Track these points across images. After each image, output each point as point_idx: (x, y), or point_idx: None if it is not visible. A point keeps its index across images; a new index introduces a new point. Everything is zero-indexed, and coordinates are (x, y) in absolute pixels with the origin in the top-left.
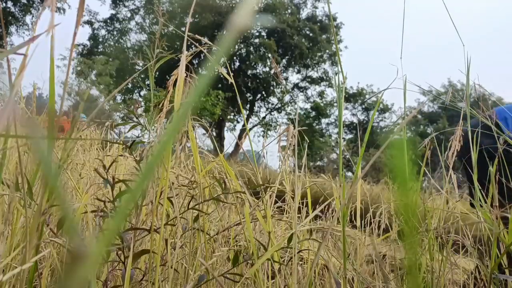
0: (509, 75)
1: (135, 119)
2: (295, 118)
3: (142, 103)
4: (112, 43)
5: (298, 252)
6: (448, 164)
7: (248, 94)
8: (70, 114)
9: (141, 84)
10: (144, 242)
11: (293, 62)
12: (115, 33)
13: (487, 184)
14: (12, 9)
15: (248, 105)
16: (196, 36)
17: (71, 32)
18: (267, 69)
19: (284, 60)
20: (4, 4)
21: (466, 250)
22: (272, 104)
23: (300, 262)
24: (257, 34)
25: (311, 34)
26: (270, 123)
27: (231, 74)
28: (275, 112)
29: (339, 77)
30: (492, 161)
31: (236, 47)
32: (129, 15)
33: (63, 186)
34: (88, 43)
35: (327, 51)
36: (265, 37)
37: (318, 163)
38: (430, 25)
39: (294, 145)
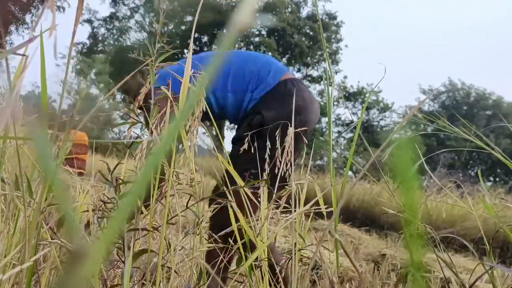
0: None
1: (135, 116)
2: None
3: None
4: (111, 41)
5: (298, 251)
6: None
7: None
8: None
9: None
10: (146, 241)
11: (293, 61)
12: (114, 31)
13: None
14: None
15: None
16: (195, 35)
17: (71, 30)
18: None
19: (284, 59)
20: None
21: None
22: None
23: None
24: (257, 33)
25: (311, 33)
26: None
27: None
28: None
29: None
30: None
31: (236, 45)
32: (128, 13)
33: (63, 185)
34: (87, 41)
35: (327, 50)
36: (265, 35)
37: (318, 162)
38: (430, 25)
39: (291, 146)
